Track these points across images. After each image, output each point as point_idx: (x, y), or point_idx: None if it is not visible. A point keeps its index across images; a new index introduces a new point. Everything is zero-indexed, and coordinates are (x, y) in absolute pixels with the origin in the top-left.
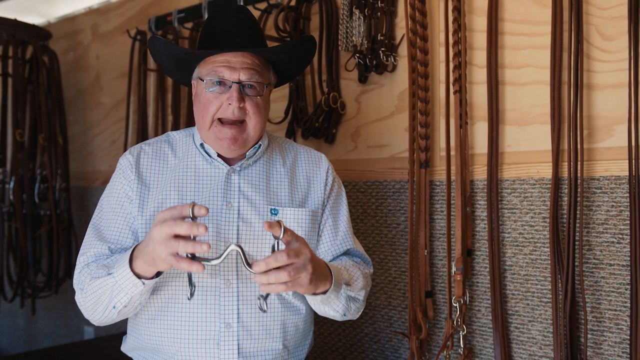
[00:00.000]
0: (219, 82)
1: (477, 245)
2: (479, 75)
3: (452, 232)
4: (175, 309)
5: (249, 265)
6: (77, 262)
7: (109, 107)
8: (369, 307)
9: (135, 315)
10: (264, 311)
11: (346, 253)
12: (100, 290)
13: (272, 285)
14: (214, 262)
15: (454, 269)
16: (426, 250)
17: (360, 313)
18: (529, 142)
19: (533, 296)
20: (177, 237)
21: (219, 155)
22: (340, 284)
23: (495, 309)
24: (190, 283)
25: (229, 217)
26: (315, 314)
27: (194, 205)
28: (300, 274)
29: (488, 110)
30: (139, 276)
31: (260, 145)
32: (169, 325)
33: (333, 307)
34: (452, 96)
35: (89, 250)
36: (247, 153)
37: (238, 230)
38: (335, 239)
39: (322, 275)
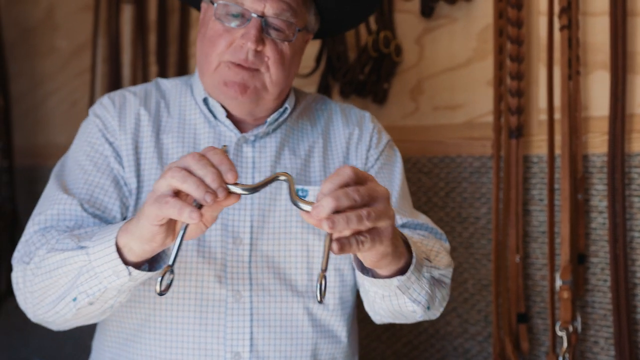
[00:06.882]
0: (237, 12)
1: (594, 249)
2: (597, 2)
3: (556, 229)
4: (158, 329)
5: (298, 199)
6: (27, 228)
7: (68, 53)
8: (436, 337)
9: (102, 333)
10: (321, 302)
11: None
12: (62, 270)
13: (342, 238)
14: (240, 191)
15: (559, 283)
16: (518, 256)
17: (443, 309)
18: None
19: None
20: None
21: (228, 116)
22: (421, 258)
23: (621, 341)
24: (170, 268)
25: (238, 204)
26: (358, 342)
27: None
28: (380, 221)
29: (611, 53)
30: (125, 261)
31: (287, 108)
32: (149, 351)
33: (413, 296)
34: (557, 33)
35: (51, 207)
36: (269, 119)
37: (252, 223)
38: None
39: (399, 239)
